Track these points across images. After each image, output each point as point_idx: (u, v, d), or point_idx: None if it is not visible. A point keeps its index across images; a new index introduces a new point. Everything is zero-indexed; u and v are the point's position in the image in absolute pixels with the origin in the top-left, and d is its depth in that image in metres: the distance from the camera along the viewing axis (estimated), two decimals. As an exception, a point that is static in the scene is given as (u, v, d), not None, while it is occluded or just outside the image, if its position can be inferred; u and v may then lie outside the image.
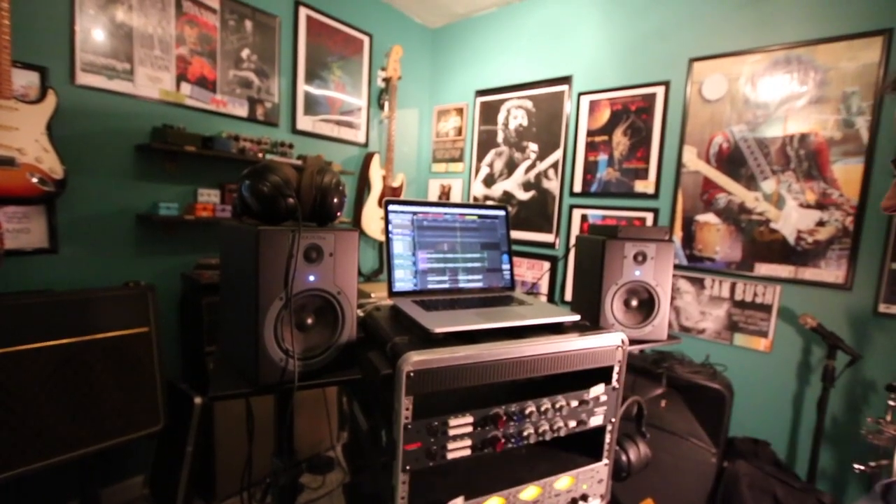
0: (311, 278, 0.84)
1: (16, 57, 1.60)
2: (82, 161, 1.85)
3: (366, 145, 3.13)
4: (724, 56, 2.19)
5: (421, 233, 1.12)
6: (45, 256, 1.80)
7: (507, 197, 3.11)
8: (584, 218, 2.72)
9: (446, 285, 1.12)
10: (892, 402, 1.65)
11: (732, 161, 2.18)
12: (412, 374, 0.73)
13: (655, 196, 2.43)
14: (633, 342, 1.23)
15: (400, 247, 1.09)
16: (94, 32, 1.86)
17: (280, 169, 0.85)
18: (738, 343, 2.19)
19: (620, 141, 2.56)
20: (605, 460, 0.99)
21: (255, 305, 0.78)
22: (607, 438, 0.99)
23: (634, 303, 1.28)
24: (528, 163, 2.99)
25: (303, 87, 2.69)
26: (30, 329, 1.44)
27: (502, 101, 3.11)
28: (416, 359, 0.74)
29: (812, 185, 1.99)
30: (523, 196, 3.02)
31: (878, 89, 1.82)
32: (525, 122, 3.00)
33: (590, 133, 2.68)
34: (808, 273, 1.99)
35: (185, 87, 2.15)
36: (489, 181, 3.21)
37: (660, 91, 2.39)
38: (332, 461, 2.46)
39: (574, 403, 0.91)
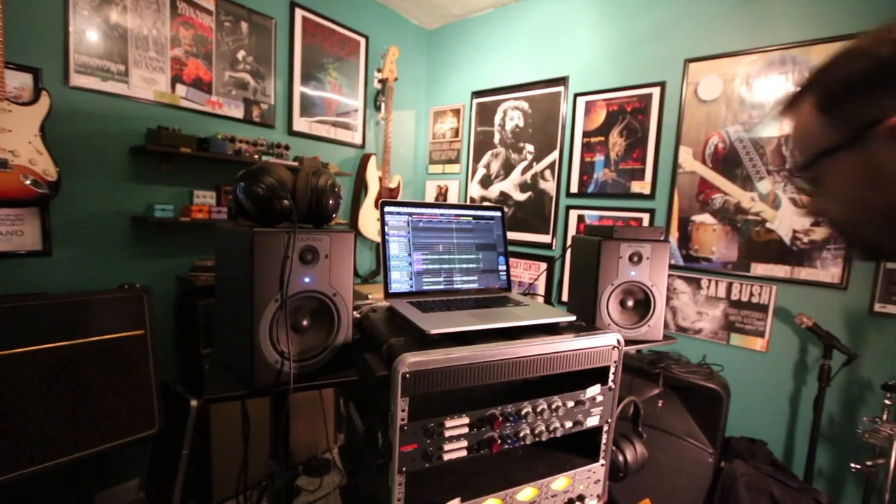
0: (307, 280, 0.84)
1: (8, 58, 1.59)
2: (76, 163, 1.84)
3: (362, 147, 3.13)
4: (720, 57, 2.19)
5: (416, 234, 1.11)
6: (39, 259, 1.79)
7: (504, 198, 3.11)
8: (580, 218, 2.73)
9: (442, 286, 1.12)
10: (888, 401, 1.66)
11: (728, 161, 2.19)
12: (408, 376, 0.73)
13: (651, 196, 2.44)
14: (629, 342, 1.23)
15: (396, 248, 1.08)
16: (88, 34, 1.85)
17: (275, 170, 0.85)
18: (734, 343, 2.19)
19: (616, 142, 2.56)
20: (602, 461, 0.99)
21: (250, 307, 0.78)
22: (604, 439, 0.98)
23: (630, 303, 1.28)
24: (524, 164, 3.00)
25: (299, 89, 2.69)
26: (24, 332, 1.43)
27: (499, 103, 3.12)
28: (412, 360, 0.73)
29: (807, 185, 1.99)
30: (520, 197, 3.03)
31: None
32: (521, 124, 3.00)
33: (586, 134, 2.69)
34: (804, 273, 2.00)
35: (181, 89, 2.15)
36: (486, 182, 3.21)
37: (655, 92, 2.40)
38: (329, 463, 2.45)
39: (570, 404, 0.91)
